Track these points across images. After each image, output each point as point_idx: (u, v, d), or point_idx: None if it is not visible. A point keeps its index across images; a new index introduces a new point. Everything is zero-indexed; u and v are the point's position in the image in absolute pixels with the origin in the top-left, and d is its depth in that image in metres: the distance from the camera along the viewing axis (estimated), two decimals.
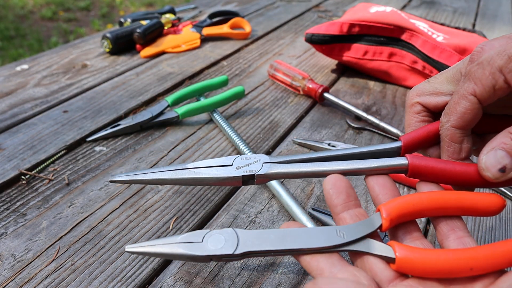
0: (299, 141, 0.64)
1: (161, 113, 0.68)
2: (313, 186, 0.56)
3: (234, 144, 0.62)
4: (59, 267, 0.43)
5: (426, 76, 0.80)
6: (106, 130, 0.64)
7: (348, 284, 0.27)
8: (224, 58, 0.96)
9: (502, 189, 0.56)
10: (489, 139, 0.31)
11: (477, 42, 0.82)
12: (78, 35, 3.25)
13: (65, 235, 0.47)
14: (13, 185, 0.54)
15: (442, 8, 1.42)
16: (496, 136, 0.30)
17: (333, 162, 0.34)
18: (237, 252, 0.29)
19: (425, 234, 0.50)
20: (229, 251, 0.29)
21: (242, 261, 0.44)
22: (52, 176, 0.56)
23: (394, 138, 0.67)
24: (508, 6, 1.51)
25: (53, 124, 0.67)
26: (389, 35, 0.81)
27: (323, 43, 0.83)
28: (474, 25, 1.26)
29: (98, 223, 0.49)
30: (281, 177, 0.34)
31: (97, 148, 0.62)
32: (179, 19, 1.13)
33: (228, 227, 0.49)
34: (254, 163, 0.35)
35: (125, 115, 0.72)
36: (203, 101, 0.69)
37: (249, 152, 0.59)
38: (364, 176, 0.34)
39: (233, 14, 1.15)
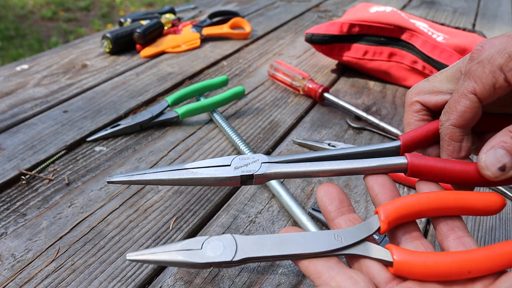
0: (299, 141, 0.64)
1: (161, 113, 0.68)
2: (313, 186, 0.56)
3: (234, 144, 0.62)
4: (59, 267, 0.43)
5: (426, 76, 0.80)
6: (106, 130, 0.64)
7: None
8: (224, 58, 0.96)
9: (502, 188, 0.56)
10: (488, 138, 0.31)
11: (477, 42, 0.82)
12: (78, 35, 3.25)
13: (65, 235, 0.47)
14: (13, 185, 0.54)
15: (442, 8, 1.42)
16: (496, 134, 0.30)
17: (332, 162, 0.34)
18: (236, 258, 0.30)
19: (425, 234, 0.50)
20: (227, 257, 0.30)
21: None
22: (52, 176, 0.56)
23: (394, 138, 0.67)
24: (508, 6, 1.51)
25: (53, 124, 0.67)
26: (389, 35, 0.81)
27: (323, 43, 0.83)
28: (474, 25, 1.26)
29: (98, 223, 0.49)
30: (280, 177, 0.34)
31: (97, 148, 0.62)
32: (179, 19, 1.13)
33: (228, 227, 0.49)
34: (253, 163, 0.34)
35: (125, 115, 0.72)
36: (203, 101, 0.69)
37: (249, 152, 0.59)
38: (363, 175, 0.34)
39: (233, 14, 1.15)
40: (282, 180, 0.56)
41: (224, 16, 1.13)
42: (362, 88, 0.84)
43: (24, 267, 0.43)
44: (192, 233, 0.48)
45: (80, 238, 0.47)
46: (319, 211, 0.50)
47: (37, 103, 0.74)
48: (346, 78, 0.88)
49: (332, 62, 0.94)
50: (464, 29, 0.90)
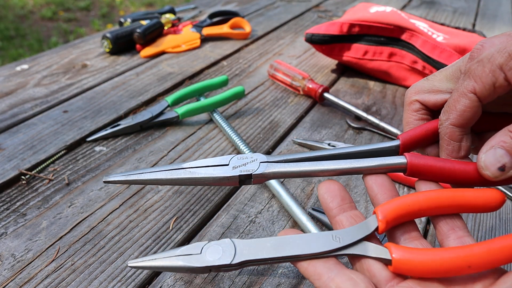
0: (299, 141, 0.64)
1: (161, 113, 0.68)
2: (313, 186, 0.56)
3: (234, 144, 0.62)
4: (59, 267, 0.43)
5: (426, 76, 0.80)
6: (106, 130, 0.64)
7: None
8: (224, 58, 0.96)
9: (502, 188, 0.56)
10: (488, 137, 0.31)
11: (477, 42, 0.82)
12: (78, 35, 3.25)
13: (65, 235, 0.47)
14: (13, 185, 0.54)
15: (442, 8, 1.42)
16: (496, 134, 0.30)
17: (331, 161, 0.34)
18: (235, 262, 0.30)
19: (425, 234, 0.50)
20: (227, 261, 0.30)
21: None
22: (52, 176, 0.56)
23: (394, 138, 0.66)
24: (508, 6, 1.51)
25: (53, 124, 0.67)
26: (389, 35, 0.81)
27: (323, 43, 0.83)
28: (474, 25, 1.26)
29: (98, 223, 0.49)
30: (279, 176, 0.34)
31: (97, 148, 0.62)
32: (179, 19, 1.13)
33: (228, 227, 0.49)
34: (251, 162, 0.34)
35: (125, 115, 0.72)
36: (203, 101, 0.69)
37: (249, 152, 0.59)
38: (362, 175, 0.34)
39: (233, 14, 1.15)
40: (282, 180, 0.56)
41: (224, 16, 1.13)
42: (362, 88, 0.84)
43: (24, 267, 0.43)
44: (192, 233, 0.48)
45: (80, 238, 0.47)
46: (319, 211, 0.50)
47: (37, 103, 0.74)
48: (346, 78, 0.88)
49: (332, 62, 0.94)
50: (464, 29, 0.90)
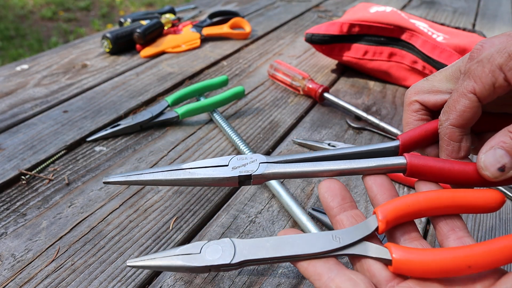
0: (299, 141, 0.64)
1: (161, 113, 0.68)
2: (313, 186, 0.56)
3: (234, 144, 0.62)
4: (59, 267, 0.43)
5: (426, 76, 0.80)
6: (106, 130, 0.64)
7: None
8: (224, 58, 0.96)
9: (502, 188, 0.56)
10: (487, 137, 0.31)
11: (476, 42, 0.82)
12: (78, 35, 3.25)
13: (65, 235, 0.47)
14: (13, 185, 0.54)
15: (442, 8, 1.42)
16: (495, 134, 0.30)
17: (330, 162, 0.34)
18: (234, 261, 0.30)
19: (425, 234, 0.50)
20: (226, 260, 0.30)
21: None
22: (52, 176, 0.56)
23: (394, 138, 0.66)
24: (508, 6, 1.51)
25: (53, 124, 0.67)
26: (389, 35, 0.81)
27: (323, 43, 0.83)
28: (474, 25, 1.26)
29: (98, 223, 0.49)
30: (278, 177, 0.34)
31: (97, 148, 0.62)
32: (179, 19, 1.13)
33: (228, 227, 0.49)
34: (251, 163, 0.34)
35: (125, 115, 0.72)
36: (203, 101, 0.69)
37: (249, 152, 0.59)
38: (362, 176, 0.34)
39: (233, 14, 1.15)
40: (282, 180, 0.56)
41: (224, 16, 1.13)
42: (362, 88, 0.84)
43: (24, 267, 0.43)
44: (192, 233, 0.49)
45: (80, 238, 0.47)
46: (319, 211, 0.50)
47: (37, 103, 0.74)
48: (346, 78, 0.88)
49: (332, 62, 0.94)
50: (464, 29, 0.90)
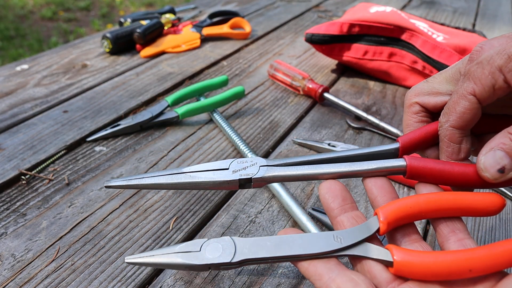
0: (299, 141, 0.64)
1: (161, 113, 0.68)
2: (313, 186, 0.56)
3: (234, 144, 0.62)
4: (59, 267, 0.43)
5: (426, 76, 0.80)
6: (106, 130, 0.65)
7: None
8: (224, 58, 0.96)
9: (502, 188, 0.56)
10: (487, 139, 0.31)
11: (477, 42, 0.82)
12: (78, 35, 3.25)
13: (65, 235, 0.47)
14: (13, 185, 0.54)
15: (442, 8, 1.42)
16: (495, 136, 0.30)
17: (330, 165, 0.34)
18: (235, 260, 0.30)
19: (425, 234, 0.50)
20: (226, 259, 0.30)
21: None
22: (52, 176, 0.56)
23: (394, 138, 0.67)
24: (508, 6, 1.51)
25: (53, 124, 0.67)
26: (389, 35, 0.81)
27: (323, 43, 0.83)
28: (474, 25, 1.26)
29: (98, 223, 0.49)
30: (278, 180, 0.34)
31: (97, 148, 0.62)
32: (179, 19, 1.13)
33: (228, 227, 0.49)
34: (251, 166, 0.34)
35: (125, 115, 0.72)
36: (203, 101, 0.69)
37: (249, 152, 0.59)
38: (362, 177, 0.34)
39: (233, 14, 1.15)
40: None
41: (224, 16, 1.13)
42: (362, 88, 0.84)
43: (24, 267, 0.43)
44: (192, 233, 0.49)
45: (80, 238, 0.47)
46: (319, 211, 0.51)
47: (37, 103, 0.74)
48: (346, 78, 0.88)
49: (332, 62, 0.94)
50: (464, 29, 0.90)
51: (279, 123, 0.70)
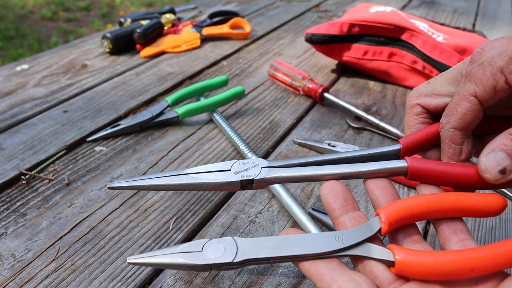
0: (299, 141, 0.64)
1: (161, 113, 0.68)
2: (313, 186, 0.56)
3: (234, 144, 0.62)
4: (59, 267, 0.43)
5: (426, 76, 0.80)
6: (106, 130, 0.64)
7: None
8: (224, 58, 0.96)
9: (503, 189, 0.56)
10: (488, 140, 0.31)
11: (477, 42, 0.82)
12: (78, 35, 3.25)
13: (65, 235, 0.47)
14: (13, 185, 0.54)
15: (442, 8, 1.42)
16: (496, 137, 0.30)
17: (332, 166, 0.34)
18: (236, 260, 0.30)
19: (425, 234, 0.50)
20: (228, 259, 0.30)
21: None
22: (52, 176, 0.56)
23: (394, 138, 0.67)
24: (508, 6, 1.51)
25: (53, 124, 0.67)
26: (389, 35, 0.81)
27: (323, 43, 0.83)
28: (474, 25, 1.26)
29: (98, 223, 0.49)
30: (280, 181, 0.34)
31: (97, 148, 0.62)
32: (179, 19, 1.13)
33: (228, 227, 0.49)
34: (253, 167, 0.35)
35: (125, 115, 0.72)
36: (203, 101, 0.69)
37: (249, 152, 0.59)
38: (363, 178, 0.34)
39: (233, 14, 1.15)
40: None
41: (224, 16, 1.13)
42: (362, 88, 0.84)
43: (24, 267, 0.43)
44: (192, 233, 0.49)
45: (80, 238, 0.47)
46: (319, 211, 0.50)
47: (37, 103, 0.74)
48: (346, 78, 0.88)
49: (332, 62, 0.94)
50: (464, 29, 0.90)
51: (279, 123, 0.70)
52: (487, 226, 0.51)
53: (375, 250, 0.30)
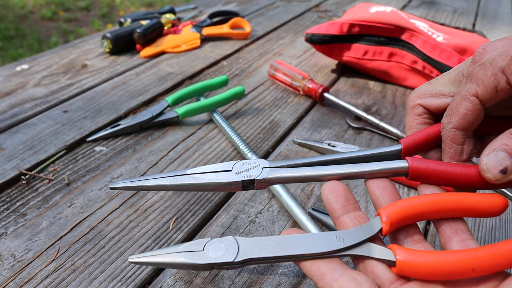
0: (299, 141, 0.64)
1: (161, 113, 0.68)
2: (313, 186, 0.56)
3: (234, 144, 0.62)
4: (59, 267, 0.43)
5: (426, 76, 0.80)
6: (106, 130, 0.64)
7: None
8: (224, 58, 0.96)
9: (504, 190, 0.56)
10: (490, 141, 0.31)
11: (477, 42, 0.82)
12: (78, 35, 3.25)
13: (65, 235, 0.47)
14: (13, 185, 0.54)
15: (442, 8, 1.42)
16: (498, 137, 0.30)
17: (333, 166, 0.34)
18: (238, 259, 0.30)
19: (425, 234, 0.50)
20: (229, 258, 0.30)
21: None
22: (52, 176, 0.56)
23: (394, 138, 0.67)
24: (508, 6, 1.51)
25: (53, 124, 0.67)
26: (389, 35, 0.81)
27: (323, 43, 0.83)
28: (474, 25, 1.26)
29: (98, 223, 0.49)
30: (281, 181, 0.34)
31: (97, 148, 0.62)
32: (179, 19, 1.13)
33: (228, 227, 0.49)
34: (254, 168, 0.35)
35: (125, 115, 0.72)
36: (203, 101, 0.69)
37: (249, 152, 0.59)
38: (364, 178, 0.34)
39: (233, 14, 1.15)
40: None
41: (224, 16, 1.13)
42: (362, 88, 0.84)
43: (24, 267, 0.43)
44: (192, 233, 0.48)
45: (80, 238, 0.47)
46: (319, 211, 0.50)
47: (37, 103, 0.74)
48: (346, 78, 0.88)
49: (332, 62, 0.94)
50: (464, 29, 0.90)
51: (279, 123, 0.70)
52: (487, 227, 0.51)
53: (376, 250, 0.30)
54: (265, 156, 0.63)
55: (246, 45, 1.04)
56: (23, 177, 0.55)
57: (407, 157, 0.33)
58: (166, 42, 0.99)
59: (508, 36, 0.31)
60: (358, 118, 0.72)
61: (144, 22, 0.99)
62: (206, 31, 1.05)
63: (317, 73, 0.89)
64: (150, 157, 0.61)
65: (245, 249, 0.30)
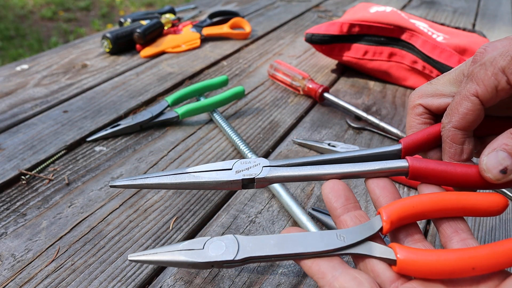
0: (299, 141, 0.64)
1: (161, 113, 0.68)
2: (313, 186, 0.56)
3: (234, 144, 0.62)
4: (59, 267, 0.43)
5: (426, 76, 0.80)
6: (106, 130, 0.64)
7: None
8: (224, 58, 0.96)
9: (504, 190, 0.56)
10: (490, 141, 0.31)
11: (477, 42, 0.82)
12: (78, 35, 3.25)
13: (65, 235, 0.47)
14: (13, 185, 0.54)
15: (442, 8, 1.42)
16: (498, 137, 0.30)
17: (333, 165, 0.34)
18: (238, 258, 0.30)
19: (425, 234, 0.50)
20: (229, 257, 0.30)
21: None
22: (52, 176, 0.56)
23: (394, 138, 0.67)
24: (508, 6, 1.52)
25: (53, 124, 0.67)
26: (389, 35, 0.81)
27: (323, 43, 0.83)
28: (474, 25, 1.26)
29: (98, 223, 0.49)
30: (281, 180, 0.34)
31: (97, 148, 0.62)
32: (179, 19, 1.13)
33: (228, 227, 0.49)
34: (254, 166, 0.35)
35: (125, 115, 0.72)
36: (203, 101, 0.69)
37: (249, 152, 0.59)
38: (364, 178, 0.34)
39: (233, 14, 1.15)
40: None
41: (224, 16, 1.13)
42: (362, 88, 0.84)
43: (24, 267, 0.43)
44: (192, 233, 0.48)
45: (80, 238, 0.47)
46: (319, 211, 0.50)
47: (37, 103, 0.74)
48: (346, 78, 0.88)
49: (332, 62, 0.94)
50: (464, 29, 0.90)
51: (279, 123, 0.70)
52: (487, 226, 0.51)
53: (377, 249, 0.30)
54: (265, 156, 0.63)
55: (246, 45, 1.04)
56: (23, 177, 0.55)
57: (407, 157, 0.33)
58: (166, 42, 0.99)
59: (508, 36, 0.31)
60: (358, 118, 0.72)
61: (144, 22, 0.99)
62: (206, 31, 1.05)
63: (317, 73, 0.89)
64: (150, 157, 0.61)
65: (245, 247, 0.30)
